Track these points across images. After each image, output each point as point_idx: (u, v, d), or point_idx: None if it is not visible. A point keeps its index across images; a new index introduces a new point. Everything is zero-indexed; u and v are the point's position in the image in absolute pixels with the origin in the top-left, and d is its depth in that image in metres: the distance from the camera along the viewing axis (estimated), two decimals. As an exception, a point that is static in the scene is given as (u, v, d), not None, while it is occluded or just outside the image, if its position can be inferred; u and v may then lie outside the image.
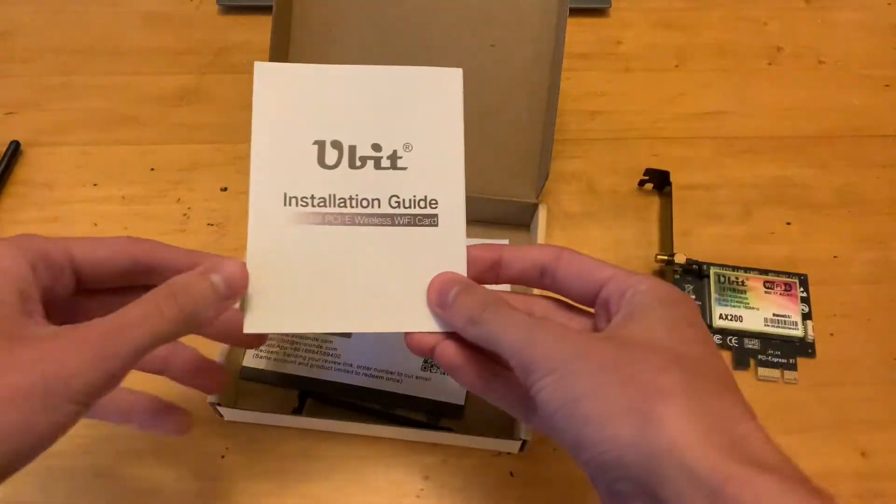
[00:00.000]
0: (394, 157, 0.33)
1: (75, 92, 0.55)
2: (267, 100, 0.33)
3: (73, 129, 0.53)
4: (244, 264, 0.30)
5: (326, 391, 0.42)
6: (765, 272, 0.47)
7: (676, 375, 0.24)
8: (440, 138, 0.34)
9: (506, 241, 0.47)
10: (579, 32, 0.57)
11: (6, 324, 0.25)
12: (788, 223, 0.49)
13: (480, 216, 0.48)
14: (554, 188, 0.50)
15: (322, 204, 0.32)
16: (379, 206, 0.33)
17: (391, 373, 0.43)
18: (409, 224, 0.33)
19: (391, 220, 0.33)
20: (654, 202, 0.50)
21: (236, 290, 0.29)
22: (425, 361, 0.43)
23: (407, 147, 0.34)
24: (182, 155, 0.51)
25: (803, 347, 0.45)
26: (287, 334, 0.44)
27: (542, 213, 0.45)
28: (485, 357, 0.30)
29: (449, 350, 0.30)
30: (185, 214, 0.49)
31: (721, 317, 0.45)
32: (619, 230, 0.49)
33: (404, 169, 0.33)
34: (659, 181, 0.50)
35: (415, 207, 0.33)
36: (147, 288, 0.28)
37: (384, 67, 0.34)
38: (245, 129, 0.52)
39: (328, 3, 0.45)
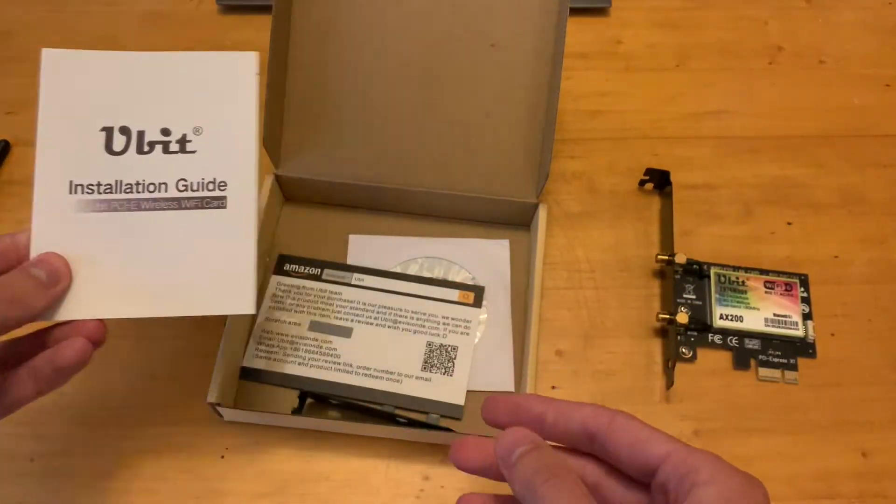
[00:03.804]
0: (183, 141, 0.34)
1: (75, 92, 0.55)
2: (55, 86, 0.34)
3: (73, 129, 0.53)
4: (59, 255, 0.32)
5: (326, 391, 0.42)
6: (765, 272, 0.47)
7: None
8: (232, 122, 0.34)
9: (506, 241, 0.48)
10: (579, 32, 0.57)
11: None
12: (789, 223, 0.49)
13: (480, 216, 0.48)
14: (554, 188, 0.50)
15: (108, 191, 0.33)
16: (166, 191, 0.33)
17: (391, 373, 0.43)
18: (196, 207, 0.33)
19: (178, 203, 0.33)
20: (655, 202, 0.50)
21: (59, 278, 0.32)
22: (425, 361, 0.43)
23: (197, 131, 0.34)
24: (182, 155, 0.51)
25: (804, 347, 0.45)
26: (284, 333, 0.44)
27: (542, 213, 0.45)
28: None
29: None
30: (184, 214, 0.49)
31: (721, 317, 0.45)
32: (620, 230, 0.49)
33: (193, 152, 0.34)
34: (659, 181, 0.50)
35: (203, 190, 0.34)
36: None
37: (175, 53, 0.35)
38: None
39: (328, 3, 0.45)
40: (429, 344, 0.44)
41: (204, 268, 0.33)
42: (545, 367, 0.44)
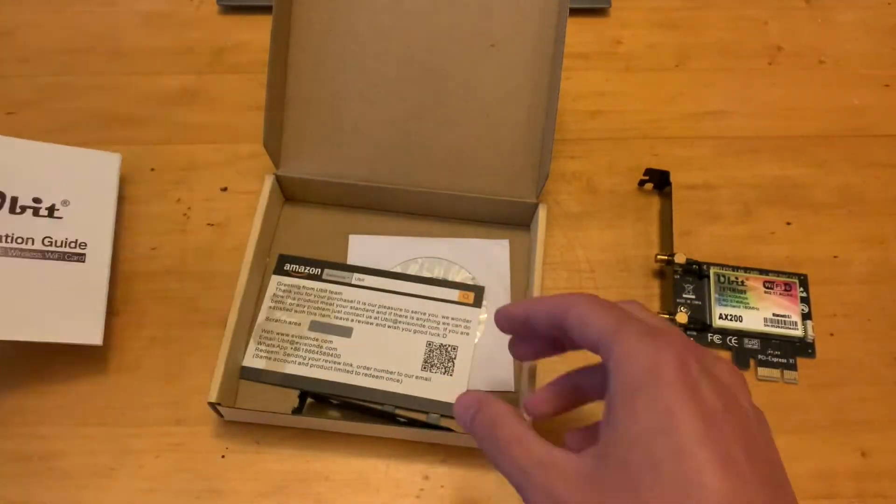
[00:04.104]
0: (52, 209, 0.43)
1: (75, 92, 0.55)
2: None
3: (73, 129, 0.53)
4: None
5: (326, 391, 0.42)
6: (765, 272, 0.47)
7: None
8: (95, 200, 0.45)
9: (506, 241, 0.48)
10: (579, 32, 0.57)
11: None
12: (788, 223, 0.49)
13: (480, 216, 0.48)
14: (554, 188, 0.50)
15: None
16: (33, 244, 0.42)
17: (391, 373, 0.43)
18: (59, 259, 0.42)
19: (42, 255, 0.42)
20: (654, 202, 0.50)
21: None
22: (425, 361, 0.43)
23: (65, 203, 0.44)
24: (182, 155, 0.51)
25: (803, 347, 0.45)
26: (284, 333, 0.44)
27: (542, 213, 0.45)
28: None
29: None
30: (185, 214, 0.49)
31: (721, 317, 0.45)
32: (619, 230, 0.49)
33: (60, 218, 0.43)
34: (659, 181, 0.50)
35: (65, 247, 0.43)
36: None
37: (56, 145, 0.45)
38: (245, 128, 0.53)
39: (328, 3, 0.45)
40: (429, 344, 0.44)
41: (61, 304, 0.41)
42: (545, 367, 0.44)
